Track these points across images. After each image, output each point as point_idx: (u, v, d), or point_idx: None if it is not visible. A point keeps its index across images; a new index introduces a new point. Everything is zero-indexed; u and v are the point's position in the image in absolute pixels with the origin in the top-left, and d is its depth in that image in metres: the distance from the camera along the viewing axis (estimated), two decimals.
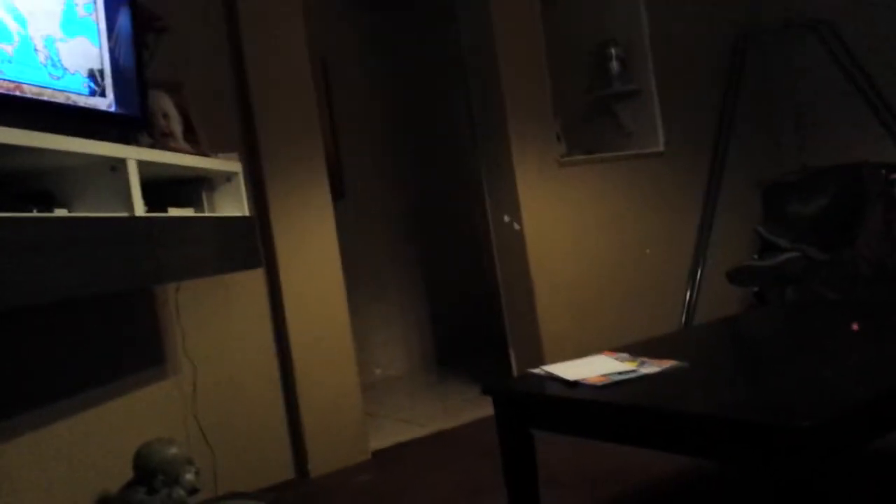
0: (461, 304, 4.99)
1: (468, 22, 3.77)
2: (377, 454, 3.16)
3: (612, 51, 4.13)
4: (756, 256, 3.58)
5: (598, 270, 3.82)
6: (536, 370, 2.00)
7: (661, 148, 4.12)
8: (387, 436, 3.37)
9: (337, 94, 4.59)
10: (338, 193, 4.30)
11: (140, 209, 1.99)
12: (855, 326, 2.03)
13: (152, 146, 2.22)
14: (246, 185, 2.66)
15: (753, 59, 4.43)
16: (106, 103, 2.03)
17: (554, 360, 2.11)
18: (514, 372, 3.71)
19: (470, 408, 3.61)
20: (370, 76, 4.81)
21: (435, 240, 4.99)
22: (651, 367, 1.84)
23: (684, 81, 4.22)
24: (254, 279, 2.87)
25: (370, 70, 4.81)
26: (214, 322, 2.77)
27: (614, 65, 4.14)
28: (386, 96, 4.86)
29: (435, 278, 4.99)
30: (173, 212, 2.22)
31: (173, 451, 2.09)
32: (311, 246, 3.03)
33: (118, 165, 1.90)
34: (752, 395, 1.63)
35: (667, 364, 1.86)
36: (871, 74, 4.13)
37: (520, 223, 3.61)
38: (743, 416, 1.43)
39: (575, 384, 1.81)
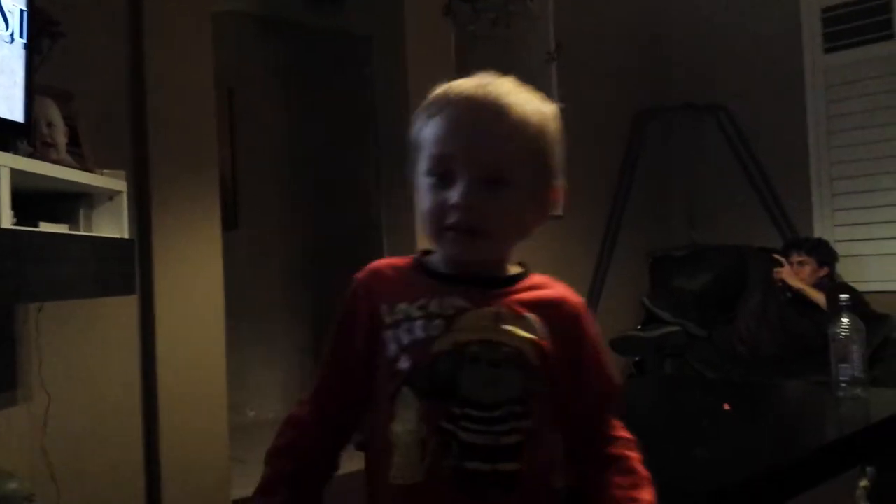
0: None
1: (382, 67, 3.77)
2: (238, 503, 2.99)
3: None
4: (639, 327, 3.65)
5: None
6: None
7: (559, 212, 4.17)
8: (251, 483, 3.20)
9: (241, 125, 4.48)
10: (231, 224, 4.17)
11: (7, 220, 1.85)
12: (726, 406, 2.07)
13: (31, 155, 2.08)
14: (130, 205, 2.52)
15: (654, 135, 4.59)
16: None
17: None
18: None
19: (348, 456, 3.49)
20: (277, 109, 4.72)
21: (331, 282, 4.88)
22: None
23: (587, 149, 4.31)
24: (126, 306, 2.68)
25: (278, 103, 4.72)
26: (77, 349, 2.57)
27: None
28: (292, 131, 4.77)
29: (327, 322, 4.85)
30: (44, 227, 2.08)
31: (12, 486, 1.94)
32: (194, 277, 2.88)
33: None
34: None
35: None
36: (761, 161, 4.35)
37: None
38: None
39: None
